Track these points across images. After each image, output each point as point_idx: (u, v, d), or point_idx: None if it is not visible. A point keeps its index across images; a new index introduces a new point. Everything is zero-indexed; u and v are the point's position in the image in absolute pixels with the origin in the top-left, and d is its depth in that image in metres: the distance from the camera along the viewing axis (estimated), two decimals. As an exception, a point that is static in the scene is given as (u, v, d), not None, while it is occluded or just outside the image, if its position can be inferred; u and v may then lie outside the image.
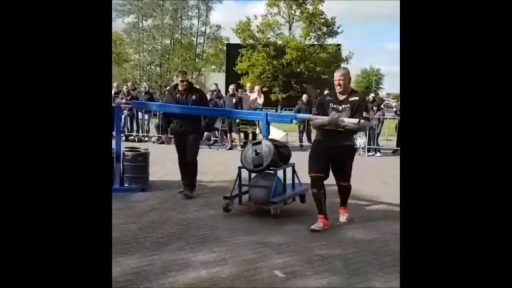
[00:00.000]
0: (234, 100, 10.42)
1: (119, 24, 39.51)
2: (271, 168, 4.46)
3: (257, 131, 10.95)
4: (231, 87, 11.05)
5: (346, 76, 4.13)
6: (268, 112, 5.51)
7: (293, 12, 33.58)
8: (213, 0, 38.93)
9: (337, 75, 4.14)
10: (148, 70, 38.18)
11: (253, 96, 11.02)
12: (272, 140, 4.70)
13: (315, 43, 32.42)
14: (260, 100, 11.07)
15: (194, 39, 40.06)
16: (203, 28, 39.70)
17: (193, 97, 5.28)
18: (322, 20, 31.98)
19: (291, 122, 5.51)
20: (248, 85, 12.87)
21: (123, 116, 10.24)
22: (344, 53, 33.07)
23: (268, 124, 4.78)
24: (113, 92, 12.08)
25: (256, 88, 11.68)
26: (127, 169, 5.49)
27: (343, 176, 4.21)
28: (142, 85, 14.13)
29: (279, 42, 32.76)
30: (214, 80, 24.68)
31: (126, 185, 5.45)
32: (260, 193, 4.48)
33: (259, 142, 4.59)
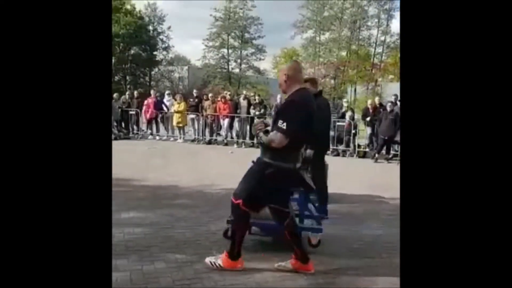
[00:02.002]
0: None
1: (297, 41, 41.52)
2: None
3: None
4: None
5: (285, 70, 3.09)
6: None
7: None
8: (395, 9, 37.48)
9: None
10: (322, 83, 38.87)
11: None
12: None
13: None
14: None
15: (372, 49, 39.18)
16: (382, 38, 38.52)
17: None
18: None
19: None
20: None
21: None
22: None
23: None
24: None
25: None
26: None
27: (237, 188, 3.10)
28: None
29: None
30: (391, 90, 23.48)
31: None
32: None
33: None
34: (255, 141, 12.44)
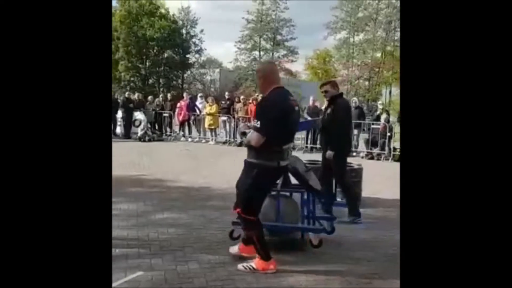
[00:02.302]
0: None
1: (330, 42, 41.09)
2: None
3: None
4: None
5: (258, 72, 3.24)
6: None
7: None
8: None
9: None
10: (356, 85, 38.29)
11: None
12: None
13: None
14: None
15: (407, 50, 38.22)
16: (417, 38, 37.54)
17: (328, 110, 4.68)
18: None
19: None
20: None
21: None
22: None
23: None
24: (323, 107, 12.48)
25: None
26: (340, 184, 5.44)
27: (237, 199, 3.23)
28: (351, 99, 14.15)
29: None
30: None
31: (338, 199, 5.41)
32: None
33: None
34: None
